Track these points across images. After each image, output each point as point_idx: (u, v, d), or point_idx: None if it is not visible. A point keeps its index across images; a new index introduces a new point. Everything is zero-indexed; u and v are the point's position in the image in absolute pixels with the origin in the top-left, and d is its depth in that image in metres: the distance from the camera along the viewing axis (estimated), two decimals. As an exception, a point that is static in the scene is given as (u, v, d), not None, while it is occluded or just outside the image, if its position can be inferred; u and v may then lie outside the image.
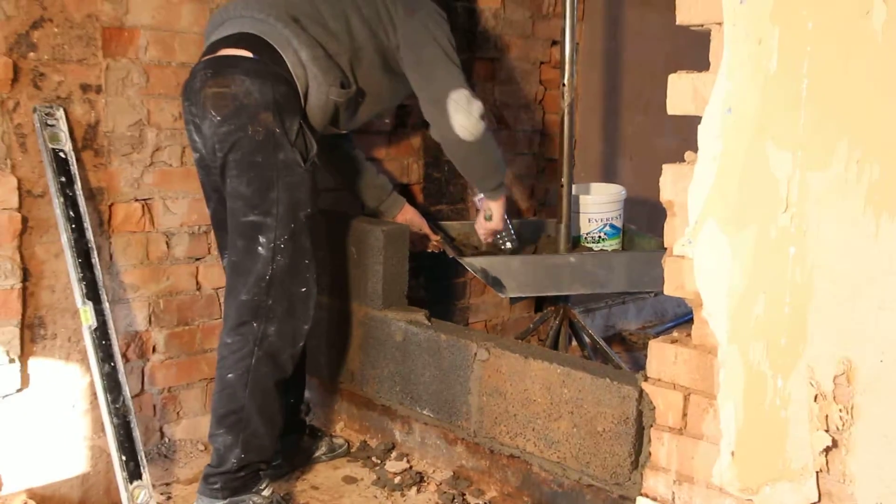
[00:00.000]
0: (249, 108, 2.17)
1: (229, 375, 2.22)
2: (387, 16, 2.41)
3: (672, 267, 1.88)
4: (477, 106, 2.43)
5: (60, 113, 2.35)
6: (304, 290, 2.27)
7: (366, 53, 2.40)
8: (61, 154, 2.33)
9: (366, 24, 2.39)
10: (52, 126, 2.33)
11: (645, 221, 3.30)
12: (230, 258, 2.27)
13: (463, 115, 2.40)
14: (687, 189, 1.82)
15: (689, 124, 1.82)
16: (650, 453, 1.96)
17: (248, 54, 2.23)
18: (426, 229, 2.91)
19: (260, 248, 2.20)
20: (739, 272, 1.75)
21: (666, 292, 1.90)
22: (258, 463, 2.25)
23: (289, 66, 2.24)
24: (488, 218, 2.80)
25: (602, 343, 3.00)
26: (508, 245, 2.93)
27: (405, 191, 2.96)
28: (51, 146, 2.31)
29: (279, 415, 2.32)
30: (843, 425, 1.64)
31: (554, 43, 3.68)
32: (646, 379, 1.97)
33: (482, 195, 2.76)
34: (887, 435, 1.59)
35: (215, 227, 2.48)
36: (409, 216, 2.87)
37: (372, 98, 2.47)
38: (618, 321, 3.95)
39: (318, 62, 2.28)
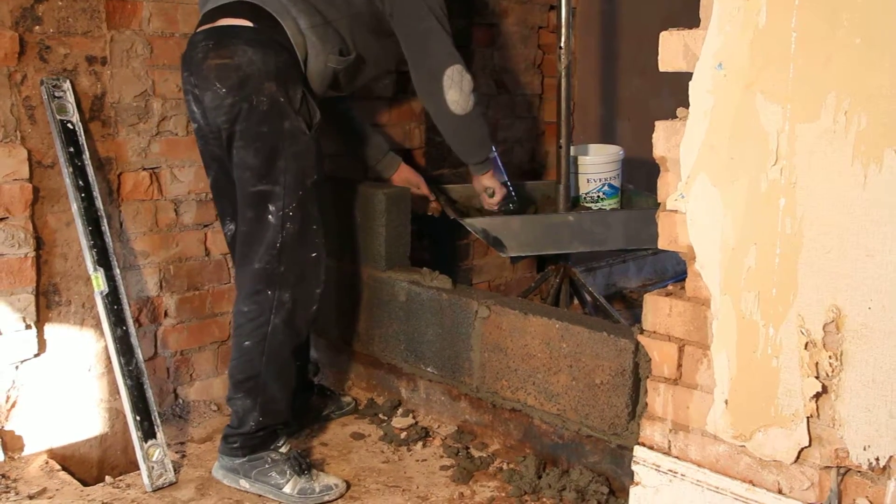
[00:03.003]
0: (253, 78, 2.18)
1: (246, 343, 2.27)
2: None
3: (665, 221, 1.91)
4: (468, 81, 2.49)
5: (67, 85, 2.39)
6: (314, 255, 2.31)
7: (363, 19, 2.40)
8: (69, 125, 2.38)
9: None
10: (59, 98, 2.37)
11: (644, 181, 3.33)
12: (240, 228, 2.30)
13: (456, 91, 2.47)
14: (679, 144, 1.85)
15: (686, 85, 1.83)
16: (647, 404, 2.00)
17: (248, 23, 2.23)
18: (424, 188, 2.94)
19: (270, 216, 2.22)
20: (731, 225, 1.79)
21: (660, 246, 1.93)
22: (275, 424, 2.32)
23: (288, 34, 2.25)
24: (491, 194, 2.86)
25: (602, 300, 3.04)
26: (509, 206, 2.97)
27: (408, 155, 2.99)
28: (59, 117, 2.35)
29: (294, 378, 2.38)
30: (833, 371, 1.68)
31: (551, 7, 3.69)
32: (641, 332, 2.00)
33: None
34: (875, 379, 1.63)
35: (216, 196, 2.51)
36: (405, 174, 2.90)
37: (371, 62, 2.49)
38: (618, 279, 3.98)
39: (316, 30, 2.29)
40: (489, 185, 2.84)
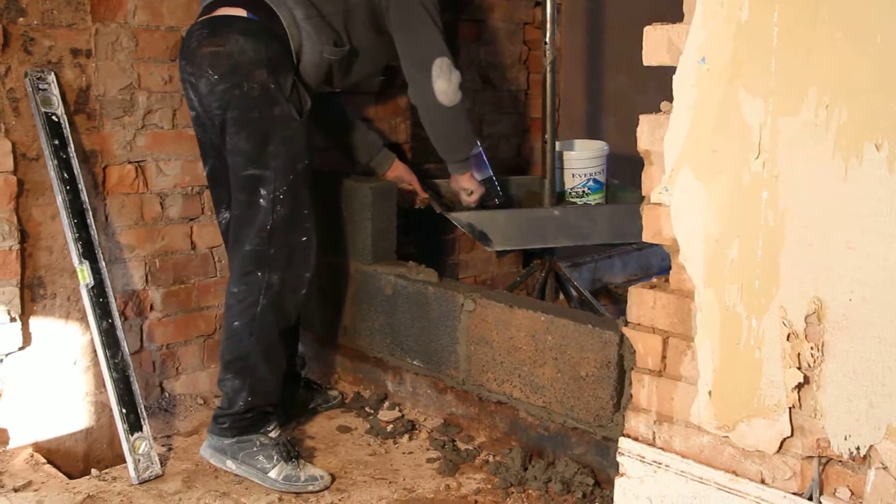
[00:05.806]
0: (244, 65, 2.25)
1: (235, 323, 2.31)
2: None
3: (650, 214, 1.92)
4: (457, 75, 2.53)
5: (52, 77, 2.38)
6: (304, 239, 2.35)
7: (359, 14, 2.47)
8: (54, 118, 2.37)
9: None
10: (44, 90, 2.36)
11: (629, 177, 3.35)
12: (233, 212, 2.35)
13: (444, 81, 2.51)
14: (663, 138, 1.86)
15: (671, 82, 1.83)
16: (631, 395, 2.01)
17: (244, 13, 2.30)
18: (416, 185, 2.95)
19: (261, 200, 2.28)
20: (714, 217, 1.80)
21: (644, 239, 1.94)
22: (265, 406, 2.34)
23: (284, 24, 2.32)
24: (469, 194, 2.86)
25: (587, 294, 3.06)
26: (496, 201, 2.98)
27: (393, 149, 2.99)
28: (43, 110, 2.35)
29: (283, 361, 2.42)
30: (815, 362, 1.70)
31: (537, 3, 3.70)
32: (626, 324, 2.01)
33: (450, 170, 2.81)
34: (856, 370, 1.65)
35: (212, 185, 2.53)
36: (399, 172, 2.92)
37: (365, 57, 2.54)
38: (604, 275, 3.99)
39: (311, 21, 2.36)
40: (467, 187, 2.85)
